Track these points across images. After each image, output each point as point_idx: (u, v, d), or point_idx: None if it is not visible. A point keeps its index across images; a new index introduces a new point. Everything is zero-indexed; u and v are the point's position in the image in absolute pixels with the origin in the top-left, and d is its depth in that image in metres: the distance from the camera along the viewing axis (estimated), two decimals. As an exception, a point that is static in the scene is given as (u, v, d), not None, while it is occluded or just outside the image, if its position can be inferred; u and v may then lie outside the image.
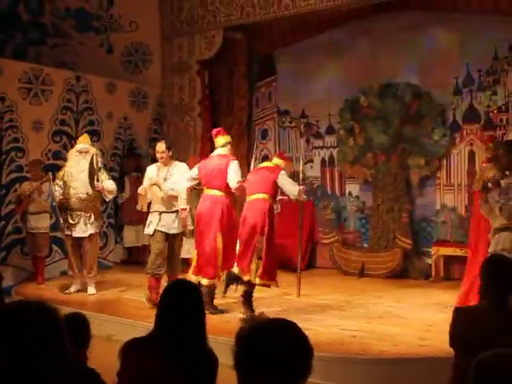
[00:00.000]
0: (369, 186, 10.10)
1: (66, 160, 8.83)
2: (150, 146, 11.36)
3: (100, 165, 8.54)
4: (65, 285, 8.74)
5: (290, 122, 11.03)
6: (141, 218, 9.51)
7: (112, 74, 11.20)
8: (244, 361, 1.96)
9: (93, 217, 8.42)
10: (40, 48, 11.43)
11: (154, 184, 7.59)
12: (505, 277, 3.55)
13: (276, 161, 7.48)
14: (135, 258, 10.82)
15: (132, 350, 2.92)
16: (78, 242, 8.45)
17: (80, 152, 8.41)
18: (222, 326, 6.00)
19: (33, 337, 1.70)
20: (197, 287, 3.08)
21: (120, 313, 7.41)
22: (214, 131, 7.63)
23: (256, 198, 7.09)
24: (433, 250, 9.29)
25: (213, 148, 11.12)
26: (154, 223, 7.58)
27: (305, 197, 7.48)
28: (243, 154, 11.17)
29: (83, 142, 8.57)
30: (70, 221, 8.35)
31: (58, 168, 9.99)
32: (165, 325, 2.90)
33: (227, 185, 7.06)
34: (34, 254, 9.30)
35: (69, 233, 8.41)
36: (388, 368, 5.54)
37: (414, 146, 9.58)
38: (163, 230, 7.55)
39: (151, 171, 7.80)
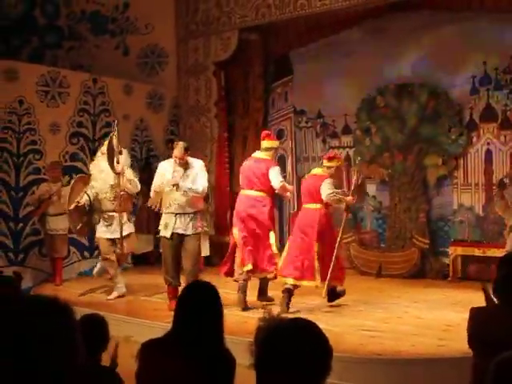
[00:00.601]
0: (386, 185, 10.06)
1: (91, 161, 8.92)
2: (167, 148, 11.39)
3: (120, 148, 8.21)
4: (94, 289, 8.81)
5: (307, 122, 11.03)
6: (151, 227, 9.59)
7: (128, 76, 11.25)
8: (263, 360, 1.96)
9: (125, 216, 8.35)
10: (56, 51, 11.52)
11: (173, 184, 7.37)
12: None
13: (326, 163, 7.45)
14: (149, 261, 10.90)
15: (150, 350, 2.93)
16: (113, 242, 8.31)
17: (102, 153, 8.39)
18: (240, 327, 6.00)
19: (33, 336, 1.70)
20: (214, 287, 3.08)
21: (138, 314, 7.44)
22: (264, 133, 7.94)
23: (308, 207, 7.35)
24: (450, 250, 9.25)
25: (229, 149, 11.27)
26: (171, 226, 7.47)
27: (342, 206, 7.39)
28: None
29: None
30: (104, 222, 8.25)
31: (76, 170, 10.09)
32: (183, 325, 2.91)
33: (268, 186, 7.43)
34: (52, 256, 9.37)
35: (103, 235, 8.28)
36: (406, 368, 5.52)
37: (430, 145, 9.54)
38: (180, 231, 7.49)
39: (164, 168, 7.60)
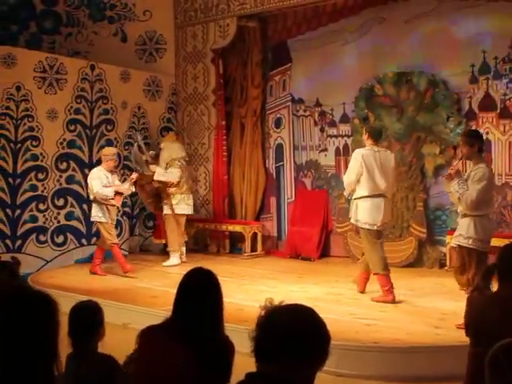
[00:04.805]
0: (383, 174, 10.04)
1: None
2: (161, 135, 11.37)
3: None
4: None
5: (305, 111, 10.99)
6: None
7: (126, 62, 11.21)
8: (262, 346, 1.98)
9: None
10: (54, 37, 11.46)
11: None
12: None
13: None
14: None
15: (149, 336, 2.94)
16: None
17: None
18: (237, 314, 6.02)
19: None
20: (215, 275, 3.08)
21: (135, 301, 7.45)
22: None
23: None
24: (447, 239, 9.24)
25: (227, 137, 11.25)
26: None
27: None
28: (258, 142, 11.17)
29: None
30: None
31: (73, 157, 10.10)
32: (183, 311, 2.92)
33: None
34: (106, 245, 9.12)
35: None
36: (402, 356, 5.54)
37: (429, 134, 9.52)
38: None
39: None
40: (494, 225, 7.10)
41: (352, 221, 7.53)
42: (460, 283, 6.15)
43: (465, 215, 6.11)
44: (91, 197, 9.02)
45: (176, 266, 9.46)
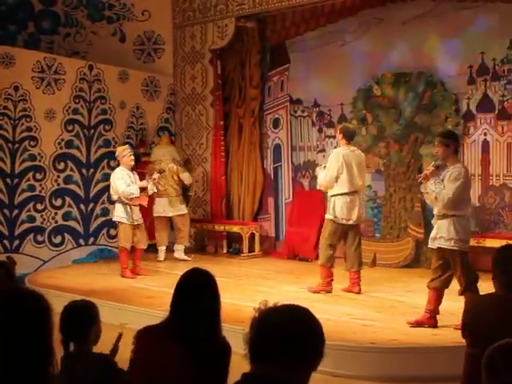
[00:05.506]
0: (381, 175, 10.05)
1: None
2: (157, 135, 11.36)
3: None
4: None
5: (302, 111, 11.00)
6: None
7: (124, 62, 11.20)
8: (256, 347, 1.98)
9: None
10: (52, 37, 11.45)
11: None
12: None
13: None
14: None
15: (146, 336, 2.94)
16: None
17: None
18: (234, 315, 6.02)
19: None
20: (212, 275, 3.07)
21: (132, 301, 7.45)
22: None
23: None
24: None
25: (225, 138, 11.24)
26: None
27: None
28: (256, 143, 11.17)
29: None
30: None
31: (71, 157, 10.09)
32: (180, 312, 2.92)
33: None
34: (130, 246, 9.00)
35: None
36: (399, 357, 5.55)
37: (426, 135, 9.52)
38: None
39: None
40: (470, 225, 7.06)
41: (330, 217, 7.72)
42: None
43: (443, 216, 6.12)
44: (115, 197, 8.91)
45: (174, 266, 9.47)
